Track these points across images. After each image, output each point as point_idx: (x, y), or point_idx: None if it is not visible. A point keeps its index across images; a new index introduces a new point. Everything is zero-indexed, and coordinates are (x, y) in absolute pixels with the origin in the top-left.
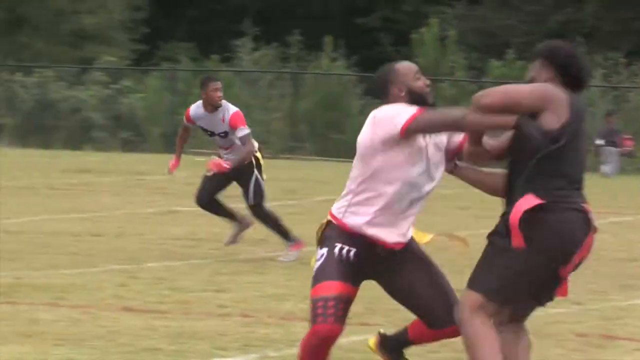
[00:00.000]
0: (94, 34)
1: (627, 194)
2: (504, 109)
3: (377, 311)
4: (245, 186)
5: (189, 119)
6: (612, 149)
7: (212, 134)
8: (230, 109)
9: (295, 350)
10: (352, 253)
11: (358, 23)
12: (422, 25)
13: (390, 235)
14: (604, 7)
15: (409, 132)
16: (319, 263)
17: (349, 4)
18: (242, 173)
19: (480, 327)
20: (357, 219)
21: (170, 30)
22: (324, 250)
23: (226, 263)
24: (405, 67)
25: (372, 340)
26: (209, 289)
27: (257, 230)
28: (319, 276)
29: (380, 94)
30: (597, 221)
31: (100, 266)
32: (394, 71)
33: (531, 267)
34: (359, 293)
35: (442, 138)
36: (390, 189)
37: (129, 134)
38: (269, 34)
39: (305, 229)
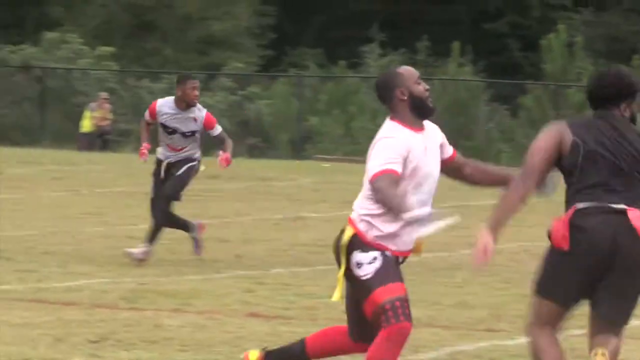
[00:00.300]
0: (222, 41)
1: None
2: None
3: (502, 317)
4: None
5: (153, 115)
6: None
7: (173, 131)
8: (202, 109)
9: (421, 356)
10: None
11: (486, 28)
12: (550, 31)
13: (409, 244)
14: None
15: (373, 185)
16: (375, 266)
17: (477, 9)
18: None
19: (544, 341)
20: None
21: (297, 36)
22: (376, 253)
23: None
24: (408, 71)
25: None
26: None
27: None
28: (383, 279)
29: (384, 98)
30: None
31: (226, 272)
32: (398, 75)
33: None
34: (483, 300)
35: (437, 141)
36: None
37: (255, 140)
38: (397, 39)
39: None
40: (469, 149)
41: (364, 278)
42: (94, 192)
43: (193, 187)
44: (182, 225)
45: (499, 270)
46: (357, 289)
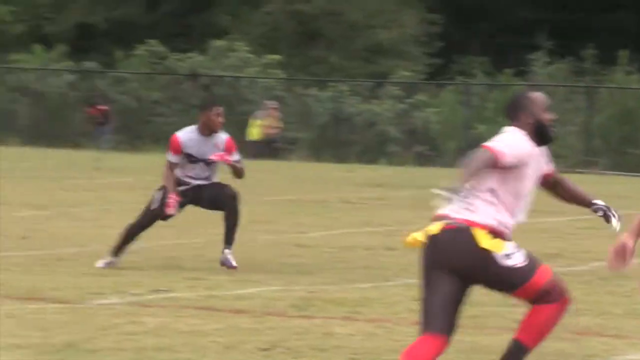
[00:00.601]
0: (388, 49)
1: None
2: None
3: None
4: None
5: (178, 150)
6: None
7: (196, 160)
8: (222, 135)
9: None
10: None
11: None
12: None
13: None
14: None
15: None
16: (522, 252)
17: None
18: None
19: None
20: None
21: (464, 44)
22: (512, 242)
23: None
24: (539, 97)
25: None
26: (503, 304)
27: (550, 245)
28: (534, 262)
29: (511, 117)
30: None
31: (394, 280)
32: (528, 99)
33: None
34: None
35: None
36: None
37: (423, 148)
38: (563, 47)
39: (597, 243)
40: (637, 157)
41: (518, 266)
42: (262, 200)
43: (360, 195)
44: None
45: None
46: (504, 279)
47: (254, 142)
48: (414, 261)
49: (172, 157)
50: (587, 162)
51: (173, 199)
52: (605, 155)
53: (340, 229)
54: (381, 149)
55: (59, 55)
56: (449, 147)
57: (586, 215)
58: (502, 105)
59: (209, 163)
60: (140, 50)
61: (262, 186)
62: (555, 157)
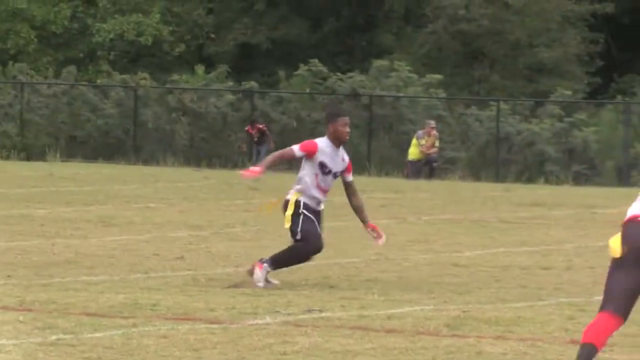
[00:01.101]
0: (550, 68)
1: None
2: None
3: None
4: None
5: (311, 152)
6: None
7: (328, 172)
8: (344, 150)
9: None
10: None
11: None
12: None
13: None
14: None
15: None
16: None
17: None
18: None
19: None
20: None
21: (626, 63)
22: None
23: None
24: None
25: None
26: None
27: None
28: None
29: None
30: None
31: (549, 299)
32: None
33: None
34: None
35: None
36: None
37: (581, 167)
38: None
39: None
40: None
41: None
42: (420, 220)
43: (518, 214)
44: None
45: None
46: None
47: (413, 162)
48: (569, 280)
49: (298, 152)
50: None
51: (259, 171)
52: None
53: (497, 248)
54: (540, 169)
55: (220, 75)
56: (607, 166)
57: None
58: None
59: (336, 176)
60: (302, 70)
61: (420, 205)
62: None
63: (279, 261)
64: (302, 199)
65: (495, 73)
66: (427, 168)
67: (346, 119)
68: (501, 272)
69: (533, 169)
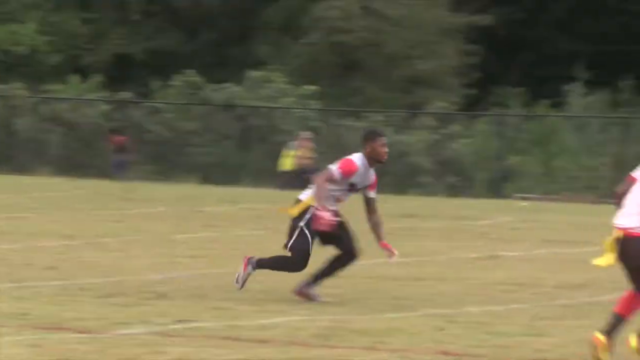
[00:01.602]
0: (426, 80)
1: None
2: None
3: None
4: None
5: (350, 174)
6: None
7: (355, 189)
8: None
9: None
10: None
11: None
12: None
13: None
14: None
15: None
16: None
17: None
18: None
19: None
20: None
21: (502, 75)
22: None
23: (546, 308)
24: None
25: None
26: (528, 334)
27: (576, 275)
28: None
29: None
30: None
31: (420, 310)
32: None
33: None
34: None
35: None
36: None
37: (455, 178)
38: (601, 79)
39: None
40: None
41: None
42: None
43: (391, 225)
44: None
45: None
46: None
47: (286, 173)
48: (441, 292)
49: (338, 175)
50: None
51: (329, 218)
52: None
53: (370, 259)
54: (413, 180)
55: (94, 85)
56: (480, 178)
57: None
58: (537, 136)
59: (357, 190)
60: (177, 80)
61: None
62: (587, 188)
63: (263, 266)
64: (313, 209)
65: (372, 84)
66: (300, 179)
67: (384, 139)
68: (374, 283)
69: (406, 180)
